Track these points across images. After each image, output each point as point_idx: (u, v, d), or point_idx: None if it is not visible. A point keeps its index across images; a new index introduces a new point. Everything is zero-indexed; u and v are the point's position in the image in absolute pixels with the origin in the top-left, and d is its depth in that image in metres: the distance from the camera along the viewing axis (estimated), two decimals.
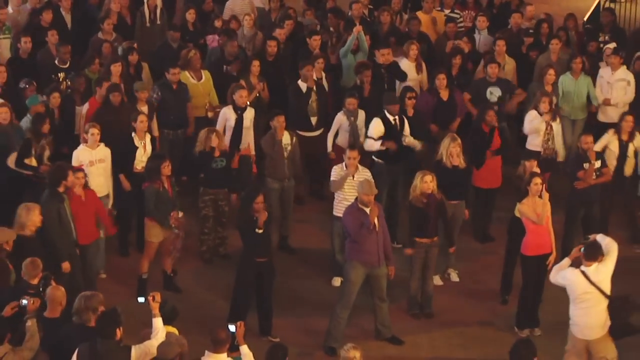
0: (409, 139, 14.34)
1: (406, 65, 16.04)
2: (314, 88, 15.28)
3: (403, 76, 15.90)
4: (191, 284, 13.48)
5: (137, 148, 13.62)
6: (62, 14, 17.22)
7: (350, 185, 13.04)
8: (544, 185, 12.55)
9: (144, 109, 14.33)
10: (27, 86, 14.51)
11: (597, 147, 14.22)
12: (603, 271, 10.81)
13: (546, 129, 14.70)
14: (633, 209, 14.81)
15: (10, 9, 17.04)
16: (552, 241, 12.48)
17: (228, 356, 9.52)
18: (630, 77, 15.99)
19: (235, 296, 12.24)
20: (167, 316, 9.93)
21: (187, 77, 15.35)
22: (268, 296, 12.24)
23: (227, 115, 14.59)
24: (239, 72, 15.66)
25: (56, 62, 15.56)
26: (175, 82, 15.03)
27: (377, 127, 14.19)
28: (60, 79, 15.31)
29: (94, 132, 13.21)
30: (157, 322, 9.69)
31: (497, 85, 15.73)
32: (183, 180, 14.60)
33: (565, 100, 15.89)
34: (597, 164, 13.86)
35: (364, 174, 13.18)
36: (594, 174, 13.82)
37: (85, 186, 12.52)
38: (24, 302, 9.89)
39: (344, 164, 13.30)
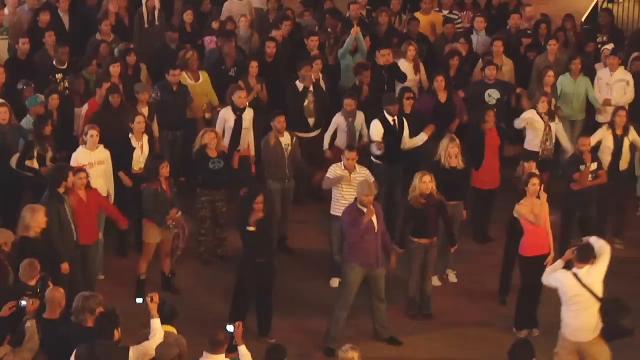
0: (409, 144, 14.34)
1: (404, 66, 16.02)
2: (311, 88, 15.27)
3: (403, 77, 15.89)
4: (190, 285, 13.48)
5: (134, 149, 13.61)
6: (60, 15, 17.18)
7: (349, 185, 13.04)
8: (542, 186, 12.54)
9: (145, 110, 14.31)
10: (25, 87, 14.49)
11: (592, 141, 14.17)
12: (595, 274, 10.71)
13: (545, 129, 14.71)
14: (623, 206, 14.79)
15: (7, 11, 17.01)
16: (551, 242, 12.46)
17: (226, 357, 9.51)
18: (629, 77, 15.98)
19: (236, 296, 12.24)
20: (166, 315, 9.94)
21: (184, 78, 15.32)
22: (268, 297, 12.23)
23: (226, 116, 14.57)
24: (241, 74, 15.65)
25: (54, 63, 15.52)
26: (176, 83, 15.01)
27: (377, 129, 14.21)
28: (58, 80, 15.29)
29: (94, 133, 13.17)
30: (156, 323, 9.69)
31: (496, 88, 15.71)
32: (181, 182, 14.60)
33: (563, 101, 15.88)
34: (594, 166, 13.86)
35: (363, 173, 13.19)
36: (590, 176, 13.83)
37: (88, 186, 12.50)
38: (24, 303, 9.89)
39: (342, 163, 13.30)
